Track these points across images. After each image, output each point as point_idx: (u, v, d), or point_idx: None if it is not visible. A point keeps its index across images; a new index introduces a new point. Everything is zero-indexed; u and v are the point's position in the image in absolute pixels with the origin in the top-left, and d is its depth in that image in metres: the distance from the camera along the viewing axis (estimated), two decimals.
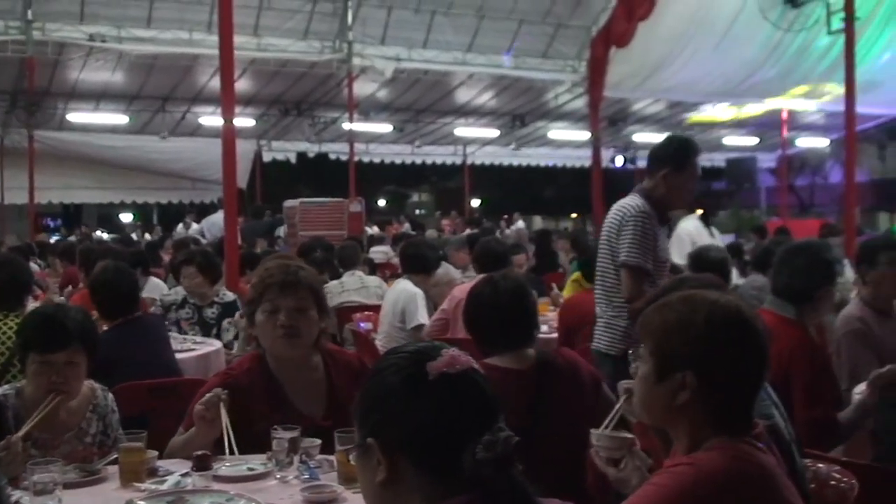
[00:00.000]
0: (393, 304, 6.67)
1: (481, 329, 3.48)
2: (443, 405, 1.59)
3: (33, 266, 10.29)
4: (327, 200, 16.54)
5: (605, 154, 22.24)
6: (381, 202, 41.97)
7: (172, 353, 5.08)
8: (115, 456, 3.03)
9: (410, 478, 1.59)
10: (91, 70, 17.26)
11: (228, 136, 8.50)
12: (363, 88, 19.20)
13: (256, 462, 3.02)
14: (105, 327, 4.73)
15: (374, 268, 10.04)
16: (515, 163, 27.33)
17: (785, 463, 2.23)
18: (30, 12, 14.68)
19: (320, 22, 16.71)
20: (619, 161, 25.47)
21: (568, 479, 2.97)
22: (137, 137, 21.29)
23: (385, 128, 22.79)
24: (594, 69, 17.69)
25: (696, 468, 1.97)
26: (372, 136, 23.65)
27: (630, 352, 2.37)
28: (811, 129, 25.99)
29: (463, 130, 24.26)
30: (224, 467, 2.98)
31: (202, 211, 20.88)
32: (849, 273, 7.06)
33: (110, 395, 3.45)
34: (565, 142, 25.49)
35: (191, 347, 5.72)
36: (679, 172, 4.56)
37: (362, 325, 7.09)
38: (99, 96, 19.47)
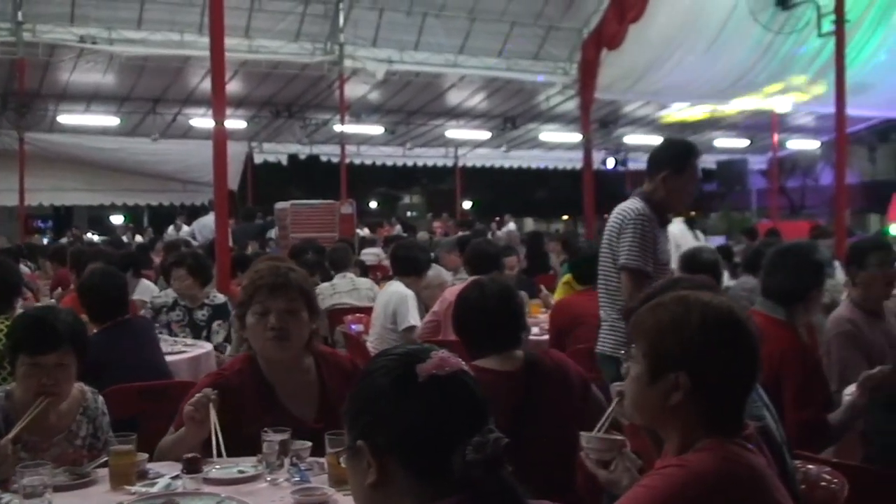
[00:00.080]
0: (384, 305, 6.67)
1: (469, 332, 3.50)
2: (432, 407, 1.59)
3: (23, 268, 10.25)
4: (318, 202, 16.51)
5: (597, 156, 22.27)
6: (373, 204, 41.95)
7: (162, 356, 5.07)
8: (106, 458, 3.03)
9: (400, 480, 1.59)
10: (82, 72, 17.22)
11: (219, 137, 8.49)
12: (354, 90, 19.19)
13: (247, 464, 3.02)
14: (94, 330, 4.72)
15: (365, 270, 10.04)
16: (507, 165, 27.35)
17: (776, 464, 2.24)
18: (20, 14, 14.60)
19: (312, 24, 16.68)
20: (611, 163, 25.54)
21: (557, 481, 2.98)
22: (128, 139, 21.26)
23: (376, 130, 22.79)
24: (585, 71, 17.70)
25: (687, 469, 1.97)
26: (363, 138, 23.65)
27: (622, 352, 2.38)
28: (802, 131, 26.07)
29: (454, 132, 24.27)
30: (214, 470, 2.97)
31: (193, 213, 20.86)
32: (839, 275, 7.09)
33: (100, 398, 3.44)
34: (556, 144, 25.51)
35: (181, 350, 5.72)
36: (678, 175, 4.57)
37: (353, 327, 7.08)
38: (90, 98, 19.42)
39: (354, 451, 1.64)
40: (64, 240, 19.79)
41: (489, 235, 16.84)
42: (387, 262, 10.34)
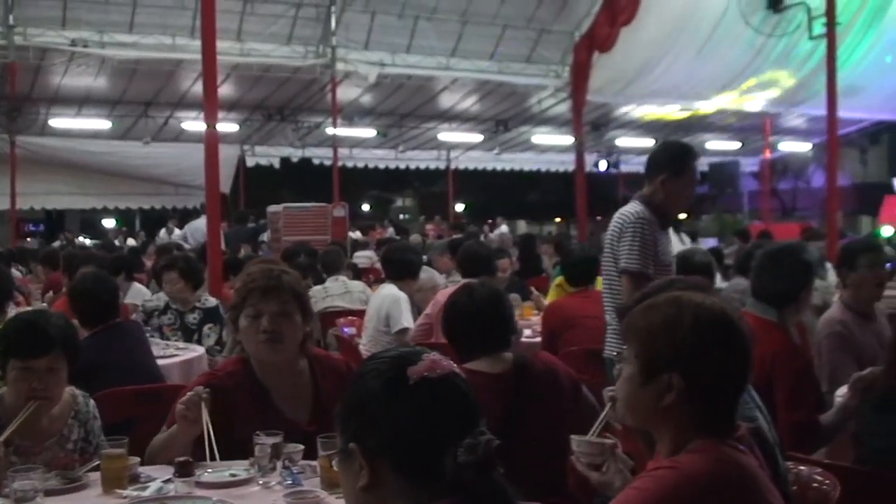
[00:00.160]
0: (378, 308, 6.66)
1: (459, 336, 3.52)
2: (424, 409, 1.59)
3: (14, 272, 10.23)
4: (311, 205, 16.50)
5: (589, 158, 22.31)
6: (365, 207, 41.93)
7: (153, 359, 5.06)
8: (97, 462, 3.02)
9: (392, 482, 1.59)
10: (73, 75, 17.18)
11: (211, 141, 8.49)
12: (347, 93, 19.19)
13: (239, 468, 3.01)
14: (85, 334, 4.70)
15: (357, 273, 10.03)
16: (499, 167, 27.38)
17: (768, 466, 2.24)
18: (11, 17, 14.58)
19: (303, 27, 16.67)
20: (603, 165, 25.58)
21: (548, 482, 2.98)
22: (120, 143, 21.23)
23: (369, 133, 22.78)
24: (577, 74, 17.72)
25: (678, 471, 1.97)
26: (355, 141, 23.65)
27: (614, 354, 2.38)
28: (793, 133, 26.11)
29: (447, 135, 24.27)
30: (206, 473, 2.97)
31: (185, 216, 20.82)
32: (831, 276, 7.10)
33: (92, 402, 3.43)
34: (549, 146, 25.56)
35: (173, 353, 5.71)
36: (677, 178, 4.58)
37: (346, 330, 7.08)
38: (81, 101, 19.37)
39: (346, 453, 1.64)
40: (57, 243, 19.75)
41: (482, 238, 16.85)
42: (379, 265, 10.34)
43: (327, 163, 21.83)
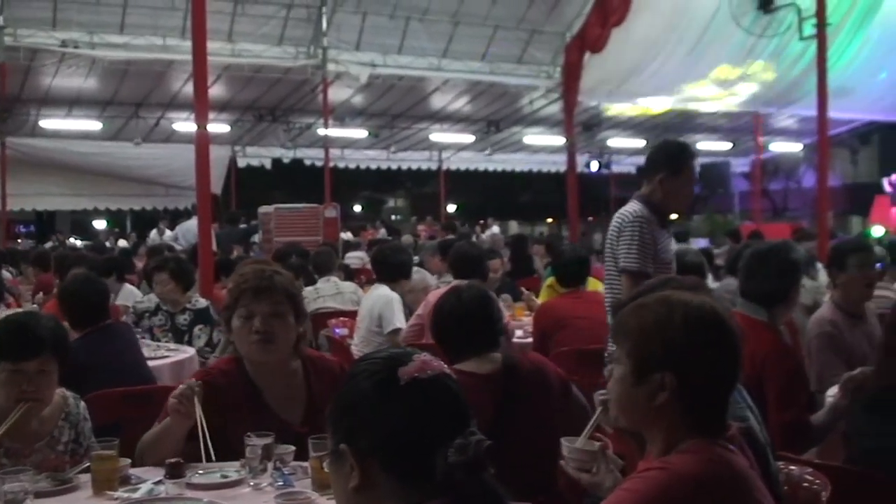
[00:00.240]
0: (370, 308, 6.65)
1: (448, 338, 3.53)
2: (414, 410, 1.59)
3: (5, 273, 10.20)
4: (302, 206, 16.49)
5: (580, 159, 22.32)
6: (357, 208, 41.93)
7: (144, 360, 5.05)
8: (88, 464, 3.01)
9: (383, 483, 1.59)
10: (64, 76, 17.13)
11: (202, 142, 8.48)
12: (338, 94, 19.17)
13: (230, 469, 3.00)
14: (75, 336, 4.69)
15: (349, 273, 10.02)
16: (491, 168, 27.40)
17: (759, 466, 2.24)
18: (1, 18, 14.51)
19: (295, 28, 16.65)
20: (594, 166, 25.59)
21: (539, 482, 2.99)
22: (111, 144, 21.18)
23: (360, 133, 22.76)
24: (568, 75, 17.75)
25: (669, 472, 1.97)
26: (347, 142, 23.63)
27: (605, 354, 2.38)
28: (784, 133, 26.17)
29: (438, 136, 24.27)
30: (197, 475, 2.96)
31: (175, 217, 20.78)
32: (822, 277, 7.12)
33: (82, 404, 3.42)
34: (540, 147, 25.57)
35: (164, 354, 5.71)
36: (675, 176, 4.60)
37: (337, 330, 7.07)
38: (72, 102, 19.32)
39: (337, 454, 1.64)
40: (49, 244, 19.71)
41: (473, 238, 16.86)
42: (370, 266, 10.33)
43: (319, 163, 21.84)
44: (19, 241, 23.94)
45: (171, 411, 3.07)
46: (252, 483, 2.92)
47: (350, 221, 27.88)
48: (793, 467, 2.91)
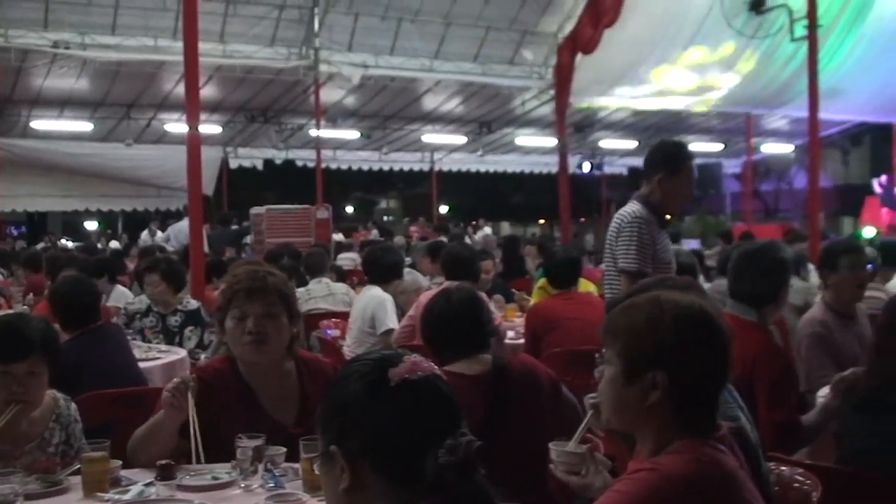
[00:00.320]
0: (363, 309, 6.65)
1: (438, 340, 3.54)
2: (405, 411, 1.59)
3: None
4: (294, 207, 16.49)
5: (572, 160, 22.32)
6: (349, 209, 41.92)
7: (135, 361, 5.04)
8: (78, 466, 3.00)
9: (374, 484, 1.59)
10: (55, 77, 17.11)
11: (193, 143, 8.47)
12: (330, 95, 19.17)
13: (221, 471, 3.00)
14: (66, 337, 4.68)
15: (341, 275, 10.01)
16: (483, 169, 27.45)
17: (750, 466, 2.24)
18: None
19: (287, 28, 16.64)
20: (586, 167, 25.61)
21: (529, 482, 2.99)
22: (102, 145, 21.16)
23: (352, 134, 22.77)
24: (560, 76, 17.75)
25: (658, 473, 1.97)
26: (339, 143, 23.64)
27: (596, 356, 2.38)
28: (776, 135, 26.25)
29: (430, 137, 24.29)
30: (188, 476, 2.96)
31: (167, 218, 20.76)
32: (814, 277, 7.14)
33: (73, 405, 3.41)
34: (532, 148, 25.61)
35: (155, 356, 5.69)
36: (673, 177, 4.61)
37: (329, 332, 7.07)
38: (63, 103, 19.29)
39: (328, 456, 1.64)
40: (41, 245, 19.65)
41: (465, 239, 16.85)
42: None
43: (311, 164, 21.82)
44: (16, 242, 23.86)
45: (164, 404, 3.07)
46: (243, 485, 2.92)
47: (342, 222, 27.85)
48: (783, 468, 2.92)
